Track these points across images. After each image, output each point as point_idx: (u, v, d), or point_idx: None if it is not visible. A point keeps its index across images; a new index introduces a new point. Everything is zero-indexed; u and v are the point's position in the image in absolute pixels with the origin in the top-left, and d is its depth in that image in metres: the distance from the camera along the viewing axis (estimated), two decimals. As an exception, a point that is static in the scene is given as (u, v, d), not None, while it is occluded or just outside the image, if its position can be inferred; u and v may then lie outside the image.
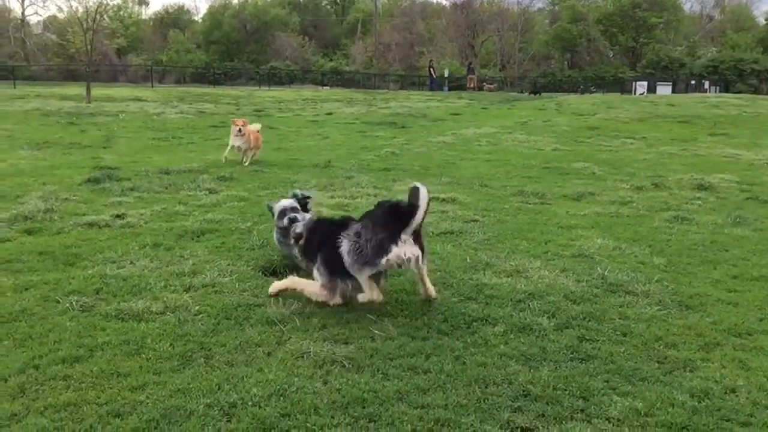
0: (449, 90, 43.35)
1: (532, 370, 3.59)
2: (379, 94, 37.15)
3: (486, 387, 3.40)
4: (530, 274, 5.16)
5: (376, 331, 4.04)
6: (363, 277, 4.27)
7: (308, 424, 3.02)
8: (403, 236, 4.10)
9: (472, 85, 44.78)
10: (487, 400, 3.27)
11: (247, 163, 10.41)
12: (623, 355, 3.81)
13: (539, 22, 66.57)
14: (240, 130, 10.18)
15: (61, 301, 4.44)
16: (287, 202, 5.25)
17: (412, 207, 4.11)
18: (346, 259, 4.23)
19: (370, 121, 19.26)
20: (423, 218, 4.14)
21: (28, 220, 6.57)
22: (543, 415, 3.15)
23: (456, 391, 3.35)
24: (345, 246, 4.25)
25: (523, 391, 3.37)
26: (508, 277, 5.09)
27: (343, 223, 4.49)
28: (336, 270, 4.34)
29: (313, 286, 4.51)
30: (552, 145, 14.00)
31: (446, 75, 47.73)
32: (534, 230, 6.57)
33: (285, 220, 5.10)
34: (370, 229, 4.19)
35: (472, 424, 3.06)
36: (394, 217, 4.16)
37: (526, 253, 5.74)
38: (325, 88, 45.50)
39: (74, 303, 4.39)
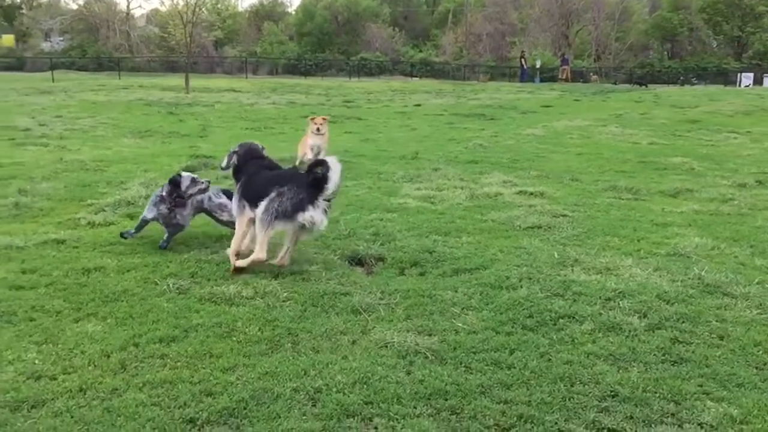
0: (541, 81, 42.46)
1: (620, 371, 3.49)
2: (469, 85, 36.85)
3: (572, 385, 3.33)
4: (621, 272, 5.00)
5: (460, 324, 4.03)
6: (268, 231, 4.80)
7: (390, 413, 3.05)
8: (318, 202, 4.74)
9: (564, 77, 43.66)
10: (573, 398, 3.21)
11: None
12: (719, 359, 3.64)
13: (638, 10, 64.07)
14: (318, 129, 9.37)
15: (159, 283, 4.66)
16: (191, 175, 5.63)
17: (326, 178, 4.72)
18: (263, 208, 4.80)
19: (458, 113, 19.14)
20: (336, 190, 4.78)
21: (131, 205, 6.91)
22: (631, 417, 3.06)
23: (540, 388, 3.31)
24: (270, 197, 4.81)
25: (611, 391, 3.28)
26: (597, 274, 4.95)
27: (277, 176, 5.05)
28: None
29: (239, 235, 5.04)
30: (648, 138, 13.48)
31: (538, 66, 46.76)
32: (626, 227, 6.36)
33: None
34: (293, 190, 4.78)
35: (556, 422, 3.01)
36: (314, 185, 4.76)
37: (618, 251, 5.57)
38: (414, 79, 45.51)
39: (171, 285, 4.60)
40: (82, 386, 3.24)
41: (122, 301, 4.35)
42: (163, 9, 51.89)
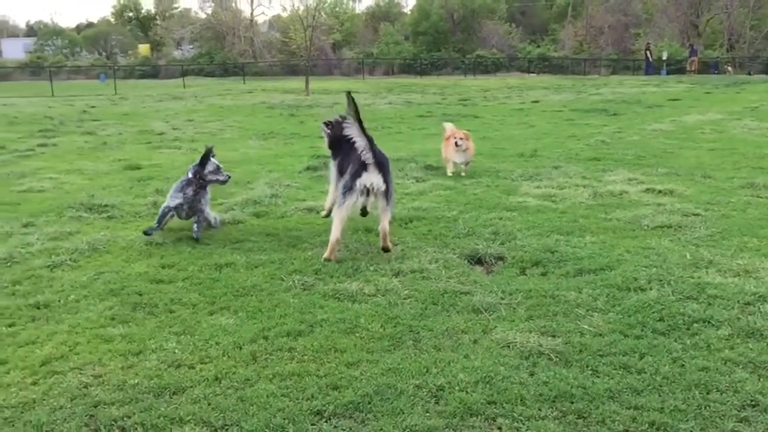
0: (667, 74, 40.42)
1: (762, 379, 3.27)
2: (589, 80, 35.69)
3: (707, 393, 3.16)
4: (761, 274, 4.68)
5: (585, 326, 3.92)
6: (341, 210, 5.26)
7: (514, 414, 3.02)
8: (369, 166, 5.21)
9: (693, 68, 41.33)
10: (709, 407, 3.05)
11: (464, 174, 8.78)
12: None
13: (776, -5, 59.61)
14: (457, 144, 8.53)
15: (285, 279, 4.84)
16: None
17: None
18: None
19: (578, 109, 18.59)
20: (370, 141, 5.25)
21: (257, 204, 7.22)
22: (775, 430, 2.87)
23: (673, 394, 3.16)
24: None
25: (751, 400, 3.09)
26: (734, 276, 4.66)
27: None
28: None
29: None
30: (789, 132, 12.52)
31: (664, 58, 44.51)
32: (766, 227, 5.94)
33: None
34: (351, 165, 5.31)
35: (691, 431, 2.87)
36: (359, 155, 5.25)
37: (757, 252, 5.22)
38: (531, 75, 44.61)
39: (296, 281, 4.77)
40: (218, 375, 3.42)
41: (252, 295, 4.56)
42: (284, 15, 53.78)
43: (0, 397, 3.26)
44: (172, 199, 5.85)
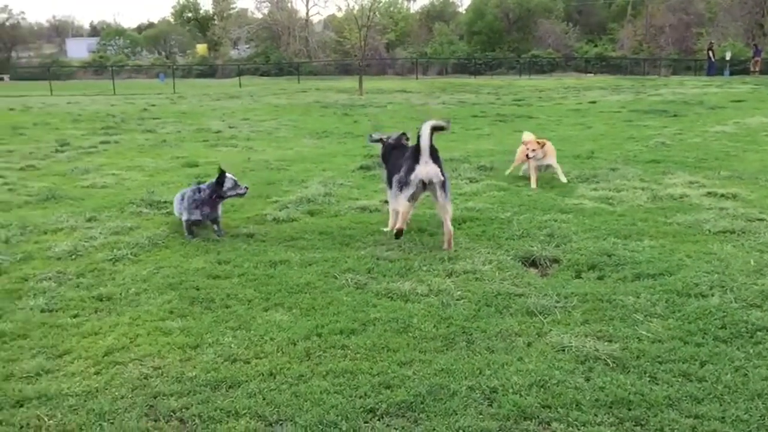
0: (730, 74, 39.16)
1: (830, 393, 3.14)
2: (649, 80, 34.84)
3: (772, 405, 3.06)
4: (831, 283, 4.50)
5: (643, 332, 3.84)
6: (398, 201, 5.54)
7: (569, 419, 2.98)
8: (423, 158, 5.39)
9: (757, 69, 39.94)
10: (774, 419, 2.94)
11: (534, 186, 8.05)
12: None
13: None
14: (528, 156, 8.11)
15: (338, 277, 4.88)
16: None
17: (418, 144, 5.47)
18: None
19: (637, 109, 18.16)
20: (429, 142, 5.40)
21: (311, 202, 7.29)
22: None
23: (735, 404, 3.07)
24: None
25: (819, 414, 2.97)
26: (801, 284, 4.49)
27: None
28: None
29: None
30: None
31: (727, 58, 43.14)
32: (836, 233, 5.70)
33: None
34: (404, 163, 5.55)
35: (754, 443, 2.78)
36: (414, 150, 5.51)
37: (826, 259, 5.02)
38: (588, 75, 43.83)
39: (350, 280, 4.80)
40: (272, 371, 3.48)
41: (305, 293, 4.61)
42: (339, 14, 54.14)
43: (65, 385, 3.38)
44: (191, 214, 6.03)
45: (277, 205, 7.22)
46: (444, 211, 5.53)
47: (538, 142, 8.16)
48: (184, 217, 6.04)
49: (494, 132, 14.19)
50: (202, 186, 6.12)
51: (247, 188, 6.25)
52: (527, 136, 8.55)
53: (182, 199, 6.12)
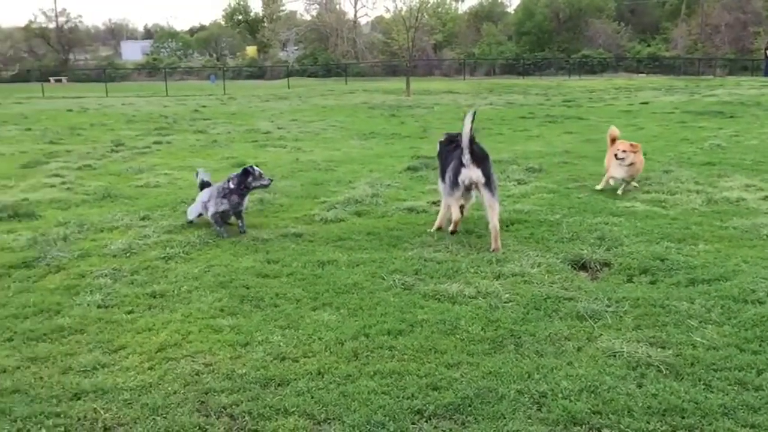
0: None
1: None
2: (703, 80, 33.99)
3: (835, 417, 2.95)
4: None
5: (698, 338, 3.75)
6: (448, 200, 5.83)
7: (621, 426, 2.92)
8: (467, 161, 5.57)
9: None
10: (837, 432, 2.84)
11: (620, 192, 7.55)
12: None
13: None
14: (617, 156, 7.45)
15: (385, 278, 4.89)
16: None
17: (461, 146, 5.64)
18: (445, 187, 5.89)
19: (691, 111, 17.73)
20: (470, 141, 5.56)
21: (358, 203, 7.33)
22: None
23: (795, 416, 2.97)
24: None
25: None
26: None
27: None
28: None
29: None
30: None
31: (787, 57, 41.75)
32: None
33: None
34: (452, 164, 5.74)
35: (815, 457, 2.69)
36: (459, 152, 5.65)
37: None
38: (640, 75, 42.97)
39: (397, 281, 4.81)
40: (320, 370, 3.50)
41: (353, 293, 4.63)
42: (387, 16, 54.24)
43: (120, 380, 3.47)
44: (218, 205, 6.16)
45: (325, 205, 7.28)
46: (491, 210, 5.63)
47: (632, 145, 7.53)
48: (211, 211, 6.20)
49: (543, 133, 14.02)
50: (231, 175, 6.27)
51: (271, 180, 6.46)
52: (614, 131, 7.96)
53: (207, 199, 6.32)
